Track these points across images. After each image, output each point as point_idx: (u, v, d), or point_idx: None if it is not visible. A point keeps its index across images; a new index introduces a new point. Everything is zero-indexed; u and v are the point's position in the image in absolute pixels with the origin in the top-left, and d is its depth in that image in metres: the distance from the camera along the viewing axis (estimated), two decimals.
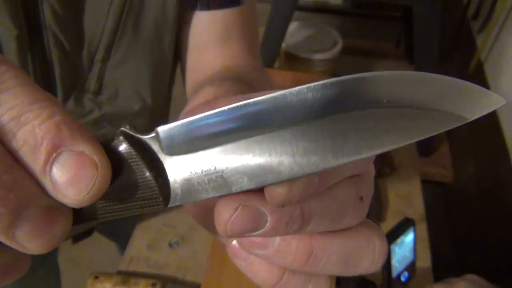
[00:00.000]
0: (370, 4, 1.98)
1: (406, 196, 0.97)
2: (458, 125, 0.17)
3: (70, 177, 0.17)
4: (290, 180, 0.17)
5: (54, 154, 0.17)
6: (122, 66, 0.52)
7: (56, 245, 0.18)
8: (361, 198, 0.21)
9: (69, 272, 1.19)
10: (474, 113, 0.17)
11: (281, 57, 1.53)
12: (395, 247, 0.71)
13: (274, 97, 0.17)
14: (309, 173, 0.17)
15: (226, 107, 0.17)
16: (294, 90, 0.17)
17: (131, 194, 0.18)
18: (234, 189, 0.18)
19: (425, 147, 1.43)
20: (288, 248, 0.20)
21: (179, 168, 0.18)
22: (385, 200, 0.96)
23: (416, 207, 0.95)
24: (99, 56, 0.50)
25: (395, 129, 0.17)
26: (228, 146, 0.18)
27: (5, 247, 0.17)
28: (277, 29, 1.30)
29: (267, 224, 0.18)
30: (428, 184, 1.37)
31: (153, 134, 0.18)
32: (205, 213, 0.24)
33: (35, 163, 0.17)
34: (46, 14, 0.45)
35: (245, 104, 0.17)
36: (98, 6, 0.47)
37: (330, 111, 0.17)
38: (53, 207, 0.17)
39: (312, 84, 0.17)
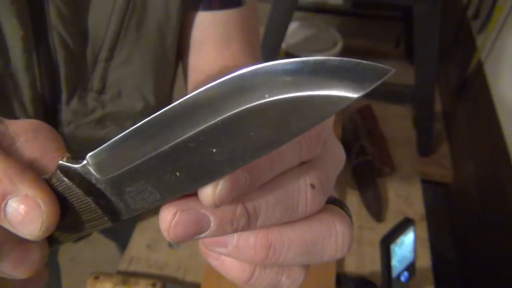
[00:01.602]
0: (370, 4, 1.98)
1: (406, 196, 0.97)
2: (347, 104, 0.16)
3: (21, 219, 0.19)
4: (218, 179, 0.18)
5: (3, 203, 0.19)
6: (125, 65, 0.52)
7: (40, 267, 0.20)
8: (312, 186, 0.20)
9: (69, 272, 1.19)
10: (360, 89, 0.17)
11: (281, 57, 1.53)
12: (395, 247, 0.71)
13: (171, 109, 0.18)
14: (228, 173, 0.18)
15: (138, 124, 0.19)
16: (182, 101, 0.18)
17: (81, 219, 0.21)
18: (167, 197, 0.19)
19: (425, 147, 1.43)
20: (247, 243, 0.20)
21: (115, 187, 0.20)
22: (385, 200, 0.96)
23: (416, 207, 0.95)
24: (102, 55, 0.51)
25: (286, 122, 0.17)
26: (148, 159, 0.19)
27: None
28: (277, 29, 1.30)
29: (211, 224, 0.19)
30: (428, 184, 1.37)
31: (85, 162, 0.20)
32: None
33: None
34: (52, 14, 0.46)
35: (153, 117, 0.18)
36: (102, 6, 0.48)
37: (222, 114, 0.18)
38: (25, 240, 0.20)
39: (198, 91, 0.18)
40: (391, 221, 0.91)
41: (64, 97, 0.51)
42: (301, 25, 1.61)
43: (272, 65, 0.17)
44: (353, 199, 0.96)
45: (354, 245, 0.86)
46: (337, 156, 0.22)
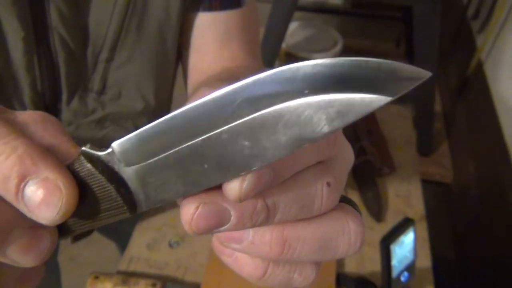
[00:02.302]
0: (370, 4, 1.98)
1: (406, 196, 0.97)
2: (381, 105, 0.17)
3: (39, 202, 0.19)
4: (244, 174, 0.18)
5: (22, 184, 0.19)
6: (125, 66, 0.52)
7: (47, 257, 0.20)
8: (328, 184, 0.21)
9: (69, 272, 1.19)
10: (397, 91, 0.17)
11: (281, 57, 1.53)
12: (395, 247, 0.71)
13: (208, 101, 0.18)
14: (256, 168, 0.18)
15: (168, 116, 0.19)
16: (222, 93, 0.18)
17: (99, 208, 0.21)
18: (190, 190, 0.19)
19: (425, 147, 1.43)
20: (262, 239, 0.20)
21: (138, 177, 0.20)
22: (385, 200, 0.96)
23: (416, 207, 0.95)
24: (103, 56, 0.51)
25: (319, 119, 0.17)
26: (176, 152, 0.19)
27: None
28: (277, 29, 1.30)
29: (232, 218, 0.19)
30: (428, 184, 1.37)
31: (110, 150, 0.20)
32: None
33: (8, 194, 0.19)
34: (53, 15, 0.46)
35: (184, 110, 0.18)
36: (102, 7, 0.48)
37: (258, 107, 0.18)
38: (36, 226, 0.20)
39: (236, 85, 0.18)
40: (391, 221, 0.91)
41: (64, 97, 0.51)
42: (301, 25, 1.61)
43: (312, 64, 0.17)
44: (353, 199, 0.96)
45: None
46: (347, 156, 0.23)
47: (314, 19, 1.94)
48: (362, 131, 1.07)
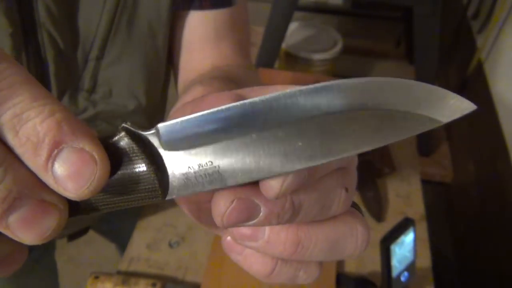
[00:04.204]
0: (370, 4, 1.98)
1: (406, 196, 0.97)
2: (433, 127, 0.19)
3: (70, 173, 0.17)
4: (281, 175, 0.19)
5: (56, 151, 0.17)
6: (116, 64, 0.52)
7: (50, 237, 0.18)
8: (346, 189, 0.22)
9: (69, 272, 1.20)
10: (448, 117, 0.19)
11: (281, 57, 1.53)
12: (395, 247, 0.71)
13: (268, 98, 0.18)
14: (299, 169, 0.19)
15: (223, 107, 0.18)
16: (287, 93, 0.18)
17: (131, 187, 0.20)
18: (229, 183, 0.19)
19: (425, 147, 1.43)
20: (277, 239, 0.21)
21: (178, 163, 0.19)
22: (385, 200, 0.96)
23: (416, 207, 0.95)
24: (93, 54, 0.51)
25: (379, 130, 0.19)
26: (225, 143, 0.19)
27: (3, 238, 0.18)
28: (277, 29, 1.30)
29: (261, 214, 0.20)
30: (428, 184, 1.37)
31: (153, 131, 0.19)
32: (198, 208, 0.26)
33: (37, 159, 0.17)
34: (41, 12, 0.45)
35: (241, 104, 0.18)
36: (92, 5, 0.48)
37: (319, 112, 0.18)
38: (47, 201, 0.18)
39: (303, 88, 0.18)
40: (391, 221, 0.91)
41: (54, 95, 0.51)
42: (301, 25, 1.61)
43: (376, 80, 0.19)
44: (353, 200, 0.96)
45: None
46: (356, 163, 0.24)
47: (314, 19, 1.94)
48: None
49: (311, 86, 0.18)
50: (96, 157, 0.18)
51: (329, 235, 0.22)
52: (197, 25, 0.52)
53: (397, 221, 0.73)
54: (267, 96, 0.18)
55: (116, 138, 0.19)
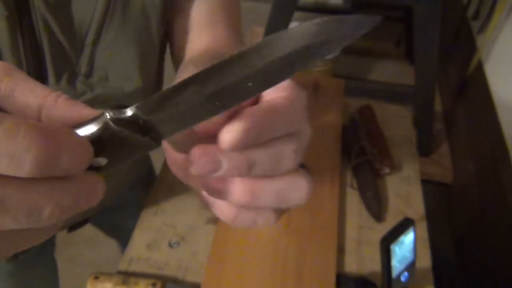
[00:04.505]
0: (370, 4, 1.98)
1: (406, 196, 0.97)
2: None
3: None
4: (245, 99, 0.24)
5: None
6: (111, 48, 0.53)
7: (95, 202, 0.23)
8: (295, 151, 0.27)
9: (69, 272, 1.20)
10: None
11: None
12: (395, 247, 0.71)
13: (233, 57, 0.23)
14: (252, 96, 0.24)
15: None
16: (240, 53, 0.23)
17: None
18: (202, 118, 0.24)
19: (425, 147, 1.43)
20: (237, 190, 0.26)
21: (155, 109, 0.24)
22: (385, 200, 0.96)
23: (416, 207, 0.95)
24: (89, 39, 0.52)
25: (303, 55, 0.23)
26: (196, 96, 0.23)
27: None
28: (277, 29, 1.30)
29: (224, 167, 0.25)
30: (428, 184, 1.37)
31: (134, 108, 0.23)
32: (185, 174, 0.31)
33: None
34: None
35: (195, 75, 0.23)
36: None
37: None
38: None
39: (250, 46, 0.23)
40: (391, 221, 0.91)
41: (51, 79, 0.52)
42: None
43: (307, 23, 0.24)
44: (353, 199, 0.96)
45: (354, 245, 0.86)
46: (308, 132, 0.29)
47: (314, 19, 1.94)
48: (362, 131, 1.07)
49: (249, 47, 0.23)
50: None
51: (277, 187, 0.27)
52: (193, 9, 0.55)
53: (397, 221, 0.73)
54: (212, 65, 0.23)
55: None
